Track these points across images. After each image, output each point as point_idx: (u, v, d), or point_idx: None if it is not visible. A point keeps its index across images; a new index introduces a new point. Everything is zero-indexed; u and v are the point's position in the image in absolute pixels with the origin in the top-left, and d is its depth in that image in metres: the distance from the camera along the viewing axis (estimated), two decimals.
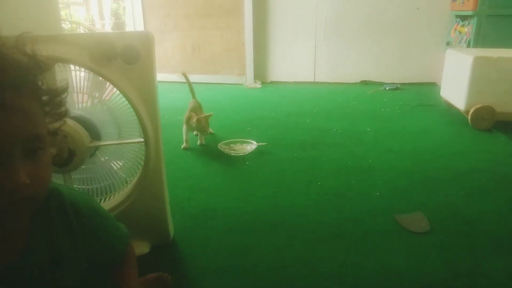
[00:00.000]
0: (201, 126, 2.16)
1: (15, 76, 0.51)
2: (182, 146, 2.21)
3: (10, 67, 0.51)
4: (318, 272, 1.14)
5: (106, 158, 1.19)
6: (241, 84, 4.31)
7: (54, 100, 0.58)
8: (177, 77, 4.00)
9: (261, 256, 1.22)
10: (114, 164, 1.21)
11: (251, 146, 2.19)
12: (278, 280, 1.11)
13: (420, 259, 1.19)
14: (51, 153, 0.57)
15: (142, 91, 1.08)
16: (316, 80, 4.35)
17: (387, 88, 3.88)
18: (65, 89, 0.60)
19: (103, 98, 1.13)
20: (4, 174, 0.49)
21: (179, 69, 3.90)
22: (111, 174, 1.19)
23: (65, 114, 0.62)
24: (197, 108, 2.35)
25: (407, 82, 4.07)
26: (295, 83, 4.33)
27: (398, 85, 3.93)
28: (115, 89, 1.08)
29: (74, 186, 1.14)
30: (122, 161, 1.21)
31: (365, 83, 4.19)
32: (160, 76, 4.28)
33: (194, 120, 2.14)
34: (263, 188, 1.69)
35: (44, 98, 0.57)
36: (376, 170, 1.86)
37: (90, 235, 0.67)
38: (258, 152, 2.14)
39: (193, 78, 2.71)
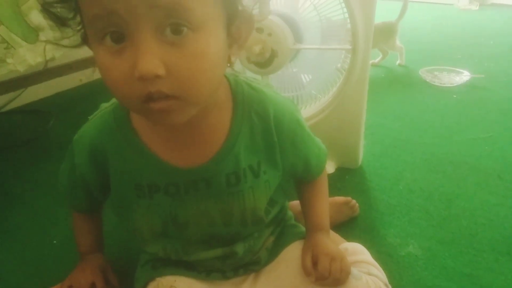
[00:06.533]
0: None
1: None
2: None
3: None
4: None
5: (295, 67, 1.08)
6: (452, 4, 3.59)
7: None
8: None
9: (466, 207, 0.99)
10: (303, 76, 1.10)
11: (461, 77, 1.80)
12: (488, 240, 0.88)
13: None
14: (214, 43, 0.41)
15: None
16: None
17: None
18: None
19: None
20: (133, 55, 0.37)
21: None
22: (299, 85, 1.09)
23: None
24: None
25: None
26: None
27: None
28: None
29: None
30: (311, 76, 1.09)
31: None
32: None
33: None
34: (474, 129, 1.37)
35: None
36: None
37: (290, 148, 0.58)
38: (470, 85, 1.75)
39: None
